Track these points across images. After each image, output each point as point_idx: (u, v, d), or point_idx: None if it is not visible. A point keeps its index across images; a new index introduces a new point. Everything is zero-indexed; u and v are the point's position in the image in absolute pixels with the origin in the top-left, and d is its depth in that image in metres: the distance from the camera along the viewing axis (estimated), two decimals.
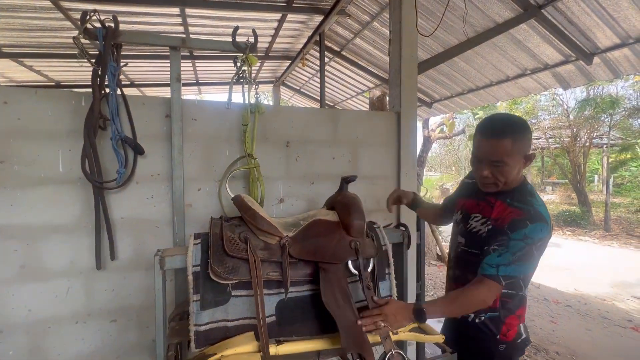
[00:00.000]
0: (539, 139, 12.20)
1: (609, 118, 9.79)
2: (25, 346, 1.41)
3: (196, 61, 5.06)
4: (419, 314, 1.08)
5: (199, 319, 1.08)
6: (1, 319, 1.38)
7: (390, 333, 1.21)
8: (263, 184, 1.61)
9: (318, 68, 4.56)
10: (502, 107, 12.81)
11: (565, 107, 11.10)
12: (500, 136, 1.08)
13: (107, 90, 1.42)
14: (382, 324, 1.06)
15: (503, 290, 1.10)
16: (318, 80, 4.64)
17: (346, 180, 1.40)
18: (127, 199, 1.53)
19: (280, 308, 1.18)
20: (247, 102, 1.65)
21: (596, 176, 14.62)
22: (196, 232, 1.20)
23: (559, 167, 12.07)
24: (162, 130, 1.57)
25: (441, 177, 14.52)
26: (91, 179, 1.39)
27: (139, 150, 1.48)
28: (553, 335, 3.10)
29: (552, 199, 14.21)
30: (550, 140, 11.47)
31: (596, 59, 2.86)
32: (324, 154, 1.89)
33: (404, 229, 1.56)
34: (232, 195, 1.33)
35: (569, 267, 5.76)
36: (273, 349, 1.06)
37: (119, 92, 1.45)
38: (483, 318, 1.20)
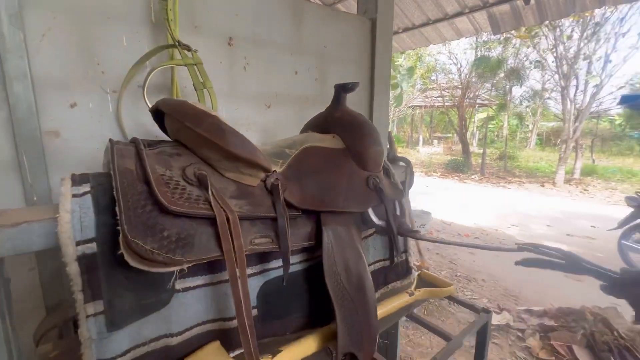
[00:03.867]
0: (438, 97, 13.50)
1: (491, 79, 11.38)
2: None
3: None
4: None
5: (109, 347, 0.51)
6: None
7: (407, 295, 0.89)
8: (214, 93, 0.96)
9: None
10: (425, 58, 13.25)
11: (459, 66, 12.39)
12: None
13: None
14: None
15: None
16: None
17: (344, 89, 0.90)
18: None
19: (265, 295, 0.69)
20: None
21: (469, 132, 17.50)
22: (77, 173, 0.56)
23: (450, 122, 13.76)
24: None
25: None
26: None
27: None
28: (475, 265, 3.47)
29: (437, 150, 16.54)
30: (446, 98, 12.80)
31: (532, 0, 2.88)
32: (284, 65, 1.31)
33: (404, 164, 1.19)
34: (150, 106, 0.69)
35: (466, 204, 6.70)
36: None
37: None
38: None
